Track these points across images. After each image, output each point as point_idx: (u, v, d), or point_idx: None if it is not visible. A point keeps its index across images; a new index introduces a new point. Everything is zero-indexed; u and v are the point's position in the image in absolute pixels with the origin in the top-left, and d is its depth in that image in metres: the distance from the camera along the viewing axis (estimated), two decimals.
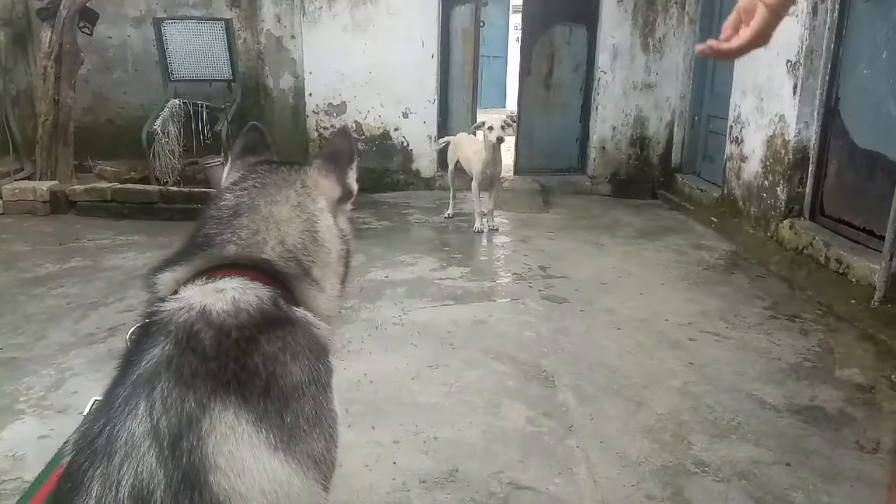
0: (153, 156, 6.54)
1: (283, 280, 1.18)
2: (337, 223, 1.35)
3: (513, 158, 7.49)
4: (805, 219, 4.70)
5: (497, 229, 5.58)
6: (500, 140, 5.06)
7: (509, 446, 2.41)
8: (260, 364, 1.03)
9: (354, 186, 1.40)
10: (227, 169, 1.43)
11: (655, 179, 7.23)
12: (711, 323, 3.59)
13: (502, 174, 5.88)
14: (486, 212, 5.54)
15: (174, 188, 6.14)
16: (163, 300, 1.08)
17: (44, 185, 5.97)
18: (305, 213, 1.28)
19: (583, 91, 7.32)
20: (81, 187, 6.03)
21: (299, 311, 1.18)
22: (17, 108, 7.18)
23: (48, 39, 6.26)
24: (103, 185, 6.12)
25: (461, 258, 4.77)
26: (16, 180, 6.25)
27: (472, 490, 2.16)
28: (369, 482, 2.18)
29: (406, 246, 5.02)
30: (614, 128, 7.14)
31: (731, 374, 3.00)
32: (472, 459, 2.32)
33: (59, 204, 5.94)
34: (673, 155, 7.14)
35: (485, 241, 5.33)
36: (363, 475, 2.21)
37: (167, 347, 1.00)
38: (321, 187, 1.33)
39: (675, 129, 7.07)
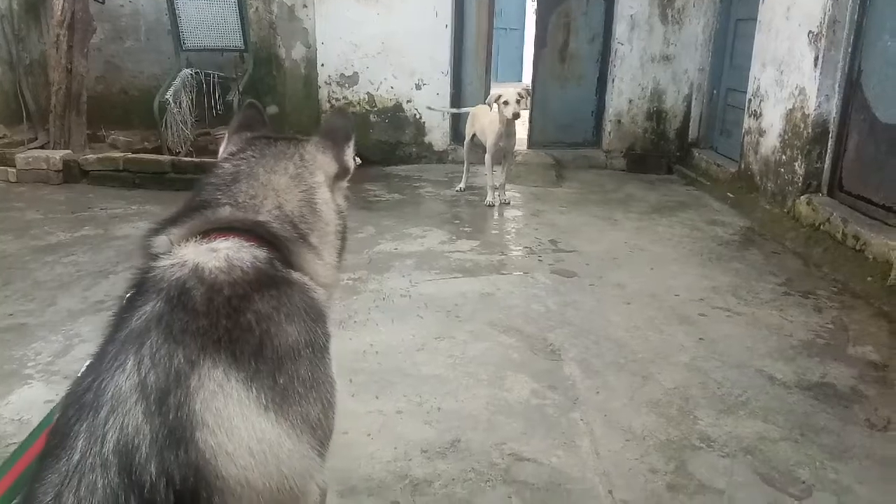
0: (165, 126, 6.53)
1: (280, 243, 1.16)
2: (334, 198, 1.33)
3: (527, 131, 7.39)
4: (823, 195, 4.60)
5: (509, 203, 5.53)
6: (515, 116, 4.98)
7: (512, 418, 2.40)
8: (253, 322, 1.02)
9: (351, 164, 1.39)
10: (224, 143, 1.43)
11: (672, 154, 7.11)
12: (723, 299, 3.54)
13: (516, 147, 5.79)
14: (498, 185, 5.48)
15: (186, 158, 6.14)
16: (156, 258, 1.07)
17: (57, 155, 5.99)
18: (304, 184, 1.27)
19: (599, 63, 7.19)
20: (94, 157, 6.04)
21: (296, 274, 1.16)
22: (30, 77, 7.18)
23: (60, 7, 6.23)
24: (116, 154, 6.13)
25: (471, 231, 4.74)
26: (29, 149, 6.28)
27: (473, 460, 2.15)
28: (371, 451, 2.18)
29: (416, 219, 4.99)
30: (630, 101, 7.01)
31: (741, 350, 2.95)
32: (474, 430, 2.31)
33: (71, 173, 5.96)
34: (690, 129, 7.01)
35: (496, 215, 5.28)
36: (365, 444, 2.21)
37: (158, 304, 1.00)
38: (319, 162, 1.32)
39: (693, 103, 6.93)
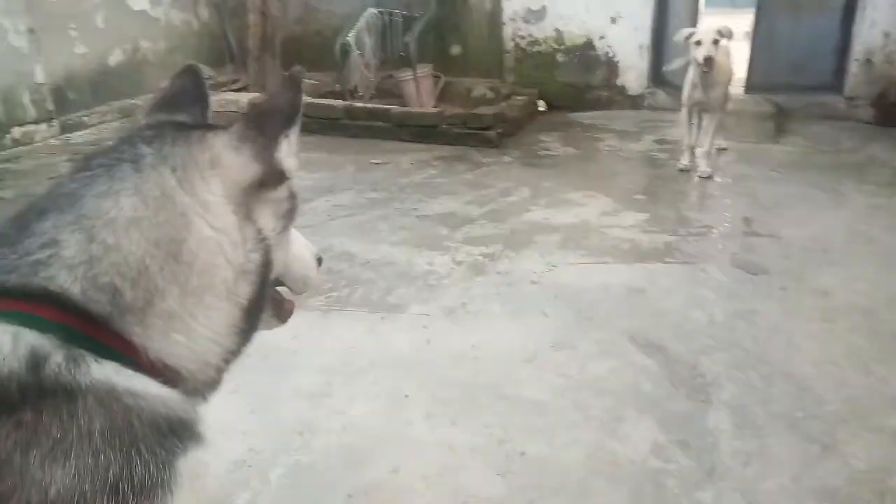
0: (347, 69, 6.45)
1: (81, 320, 0.74)
2: (251, 220, 0.86)
3: (745, 72, 6.17)
4: None
5: (710, 176, 4.34)
6: (707, 60, 3.99)
7: (615, 486, 1.81)
8: None
9: (290, 164, 0.88)
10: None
11: None
12: None
13: (725, 100, 4.56)
14: (699, 148, 4.47)
15: (358, 104, 5.99)
16: None
17: (244, 98, 6.17)
18: (167, 210, 0.80)
19: None
20: None
21: (104, 370, 0.73)
22: (235, 20, 7.49)
23: None
24: None
25: (643, 201, 3.97)
26: (225, 91, 6.56)
27: None
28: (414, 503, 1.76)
29: (582, 180, 4.32)
30: (888, 35, 5.46)
31: None
32: (556, 497, 1.78)
33: None
34: None
35: (685, 182, 4.40)
36: (413, 491, 1.79)
37: None
38: (223, 165, 0.84)
39: None
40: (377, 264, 3.16)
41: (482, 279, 3.01)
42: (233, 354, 0.86)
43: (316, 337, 2.55)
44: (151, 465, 0.71)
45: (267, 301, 0.94)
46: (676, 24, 6.09)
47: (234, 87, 6.91)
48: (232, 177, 0.83)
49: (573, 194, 4.05)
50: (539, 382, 2.26)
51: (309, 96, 6.47)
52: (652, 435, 2.00)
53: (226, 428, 2.05)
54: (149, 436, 0.72)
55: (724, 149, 4.86)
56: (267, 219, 0.88)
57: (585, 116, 6.12)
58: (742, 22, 8.83)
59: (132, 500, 0.69)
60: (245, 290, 0.85)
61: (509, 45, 6.56)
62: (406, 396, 2.20)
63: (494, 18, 6.65)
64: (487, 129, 5.21)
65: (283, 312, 1.09)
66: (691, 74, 4.25)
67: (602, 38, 6.23)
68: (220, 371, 0.86)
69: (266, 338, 2.63)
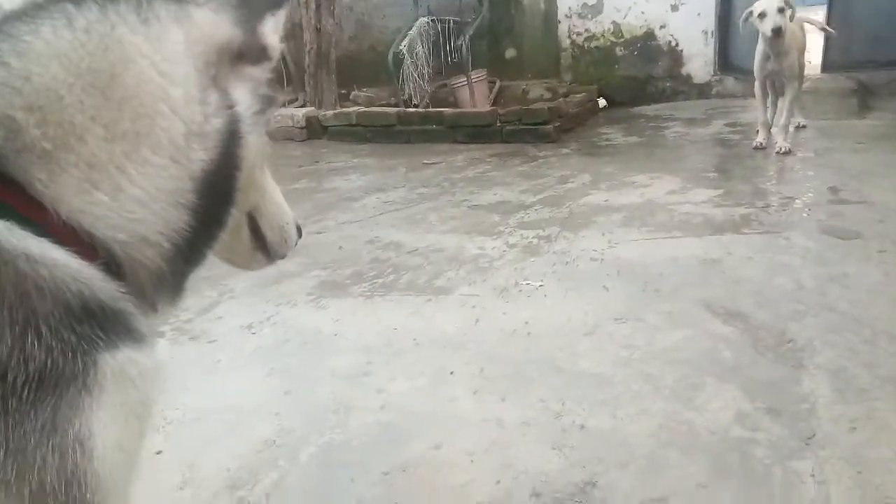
0: (402, 79, 6.41)
1: None
2: (219, 87, 0.70)
3: (821, 51, 5.76)
4: None
5: (788, 151, 3.99)
6: (775, 32, 3.70)
7: (692, 458, 1.54)
8: None
9: (273, 41, 0.75)
10: None
11: None
12: None
13: (800, 71, 4.20)
14: (776, 125, 4.12)
15: (410, 110, 5.91)
16: None
17: (300, 112, 6.20)
18: (103, 41, 0.64)
19: None
20: (331, 112, 6.14)
21: None
22: (291, 41, 7.60)
23: None
24: (349, 109, 6.15)
25: (715, 178, 3.67)
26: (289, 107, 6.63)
27: None
28: (461, 481, 1.53)
29: (647, 163, 4.05)
30: None
31: None
32: (623, 470, 1.52)
33: (313, 129, 6.13)
34: None
35: (762, 159, 4.05)
36: (458, 468, 1.57)
37: None
38: (193, 21, 0.69)
39: None
40: (425, 251, 2.99)
41: (537, 259, 2.79)
42: (181, 239, 0.68)
43: (358, 320, 2.39)
44: (57, 353, 0.55)
45: (237, 192, 0.76)
46: (742, 6, 5.76)
47: (294, 105, 6.97)
48: (202, 32, 0.68)
49: (637, 177, 3.78)
50: (600, 354, 2.01)
51: (363, 107, 6.46)
52: (735, 403, 1.71)
53: (257, 409, 1.91)
54: (54, 315, 0.56)
55: (804, 126, 4.49)
56: (241, 93, 0.72)
57: (648, 109, 5.85)
58: (814, 16, 8.40)
59: (27, 393, 0.53)
60: (199, 156, 0.68)
61: (565, 42, 6.38)
62: (451, 374, 2.00)
63: (549, 17, 6.49)
64: (544, 123, 5.01)
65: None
66: (761, 45, 3.95)
67: (663, 27, 5.96)
68: (166, 259, 0.67)
69: (305, 323, 2.48)
